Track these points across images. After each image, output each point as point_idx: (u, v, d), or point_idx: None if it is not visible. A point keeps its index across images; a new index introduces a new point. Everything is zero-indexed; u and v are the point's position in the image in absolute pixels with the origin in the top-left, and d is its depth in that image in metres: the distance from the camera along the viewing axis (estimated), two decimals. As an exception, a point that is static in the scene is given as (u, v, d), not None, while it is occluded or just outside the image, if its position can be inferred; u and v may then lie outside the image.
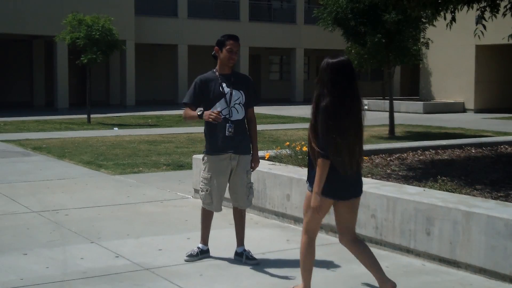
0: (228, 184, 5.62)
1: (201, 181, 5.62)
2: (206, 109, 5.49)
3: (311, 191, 4.44)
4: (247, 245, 5.69)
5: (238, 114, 5.51)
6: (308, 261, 4.62)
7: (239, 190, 5.56)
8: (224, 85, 5.52)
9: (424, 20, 17.12)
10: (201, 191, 5.61)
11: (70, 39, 20.13)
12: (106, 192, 8.91)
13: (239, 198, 5.60)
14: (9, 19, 26.43)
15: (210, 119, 5.29)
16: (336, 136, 4.27)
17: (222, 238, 6.20)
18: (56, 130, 18.40)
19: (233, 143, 5.46)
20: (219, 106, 5.47)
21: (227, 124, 5.44)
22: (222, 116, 5.40)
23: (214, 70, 5.62)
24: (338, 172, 4.35)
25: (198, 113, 5.43)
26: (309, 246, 4.60)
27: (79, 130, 18.66)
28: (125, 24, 28.13)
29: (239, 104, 5.51)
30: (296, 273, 5.27)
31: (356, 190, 4.53)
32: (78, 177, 10.12)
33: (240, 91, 5.54)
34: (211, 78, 5.55)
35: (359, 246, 4.65)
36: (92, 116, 21.66)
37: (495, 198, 6.30)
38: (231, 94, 5.50)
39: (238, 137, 5.47)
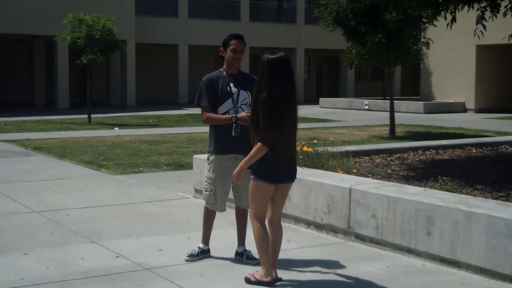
0: (232, 184, 5.62)
1: (206, 181, 5.61)
2: (213, 107, 5.47)
3: (253, 178, 4.88)
4: (248, 245, 5.69)
5: None
6: (264, 245, 4.89)
7: (244, 189, 5.55)
8: (231, 85, 5.51)
9: (424, 20, 17.11)
10: (205, 191, 5.60)
11: (71, 39, 20.13)
12: (107, 192, 8.91)
13: (243, 197, 5.58)
14: (9, 19, 26.44)
15: (247, 123, 5.21)
16: (275, 126, 4.69)
17: (223, 238, 6.20)
18: (56, 130, 18.41)
19: (239, 144, 5.45)
20: (226, 106, 5.47)
21: (234, 125, 5.42)
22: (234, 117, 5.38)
23: (221, 69, 5.61)
24: (275, 159, 4.76)
25: (233, 120, 5.35)
26: (262, 230, 4.90)
27: (79, 130, 18.66)
28: (125, 24, 28.14)
29: (245, 104, 5.50)
30: (297, 272, 5.27)
31: (291, 175, 4.96)
32: (78, 177, 10.13)
33: (247, 91, 5.53)
34: (219, 77, 5.54)
35: (280, 230, 5.02)
36: (92, 116, 21.67)
37: (495, 198, 6.31)
38: (238, 94, 5.50)
39: (244, 137, 5.44)
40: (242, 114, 5.33)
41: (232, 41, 5.47)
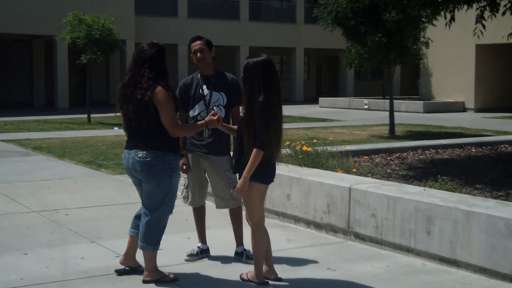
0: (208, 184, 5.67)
1: (182, 177, 5.72)
2: (186, 111, 5.54)
3: (253, 182, 4.79)
4: (248, 245, 5.69)
5: None
6: (260, 247, 4.90)
7: (220, 190, 5.56)
8: (204, 87, 5.55)
9: (424, 20, 17.11)
10: (183, 186, 5.70)
11: (70, 38, 20.14)
12: (106, 191, 8.91)
13: (224, 198, 5.58)
14: (9, 19, 26.44)
15: (217, 125, 5.05)
16: (273, 128, 4.70)
17: (223, 238, 6.20)
18: (56, 130, 18.40)
19: (206, 144, 5.49)
20: (197, 108, 5.51)
21: None
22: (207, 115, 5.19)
23: (197, 72, 5.66)
24: (270, 160, 4.78)
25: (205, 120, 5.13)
26: (260, 233, 4.90)
27: (79, 129, 18.66)
28: (125, 24, 28.15)
29: (218, 106, 5.51)
30: (297, 271, 5.27)
31: (274, 175, 5.00)
32: (78, 177, 10.12)
33: (221, 92, 5.54)
34: (193, 81, 5.62)
35: (266, 231, 5.00)
36: (92, 115, 21.67)
37: (495, 197, 6.31)
38: (210, 96, 5.52)
39: (214, 138, 5.47)
40: (208, 118, 5.03)
41: (191, 45, 5.60)
